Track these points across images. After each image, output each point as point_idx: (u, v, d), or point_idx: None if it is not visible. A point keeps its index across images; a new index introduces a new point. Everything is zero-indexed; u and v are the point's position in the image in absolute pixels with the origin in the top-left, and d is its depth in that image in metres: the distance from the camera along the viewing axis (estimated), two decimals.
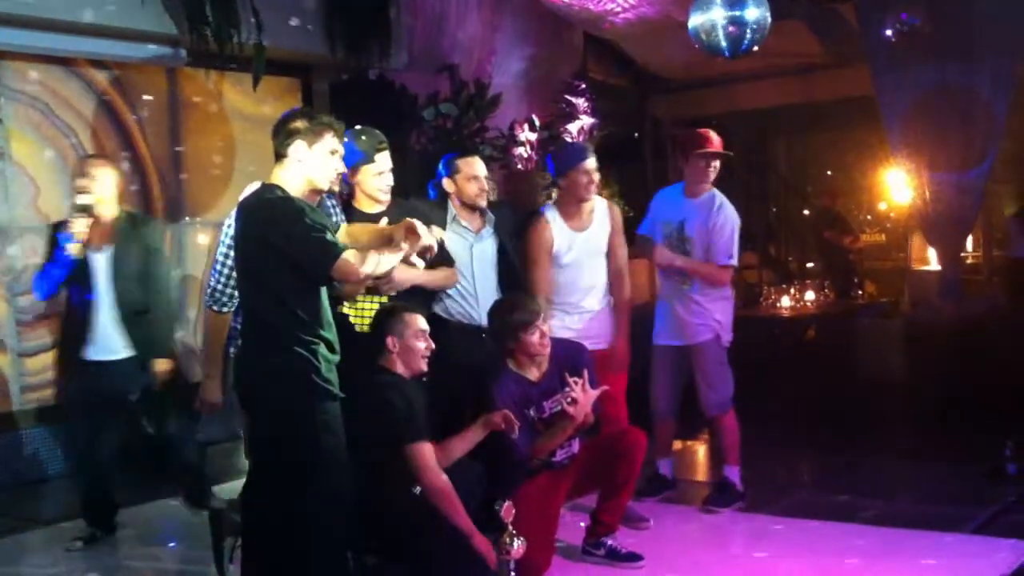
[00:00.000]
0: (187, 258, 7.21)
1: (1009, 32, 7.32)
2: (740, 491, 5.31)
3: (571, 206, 4.91)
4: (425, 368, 4.09)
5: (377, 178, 4.36)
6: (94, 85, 6.76)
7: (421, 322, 4.08)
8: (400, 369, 4.05)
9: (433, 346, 4.09)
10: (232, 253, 3.93)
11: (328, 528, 3.55)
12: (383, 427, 3.87)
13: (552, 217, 4.92)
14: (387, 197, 4.41)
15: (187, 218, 7.25)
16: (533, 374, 4.38)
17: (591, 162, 4.85)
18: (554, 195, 5.15)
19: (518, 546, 3.76)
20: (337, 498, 3.54)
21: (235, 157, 7.40)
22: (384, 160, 4.37)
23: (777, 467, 6.27)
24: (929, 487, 5.68)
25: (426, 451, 3.90)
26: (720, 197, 5.30)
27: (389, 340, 4.02)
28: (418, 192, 5.46)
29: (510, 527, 3.74)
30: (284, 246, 3.41)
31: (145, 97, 7.02)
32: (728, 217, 5.25)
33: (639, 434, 4.45)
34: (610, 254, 5.02)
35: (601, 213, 4.98)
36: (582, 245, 4.92)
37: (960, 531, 4.76)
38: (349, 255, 3.38)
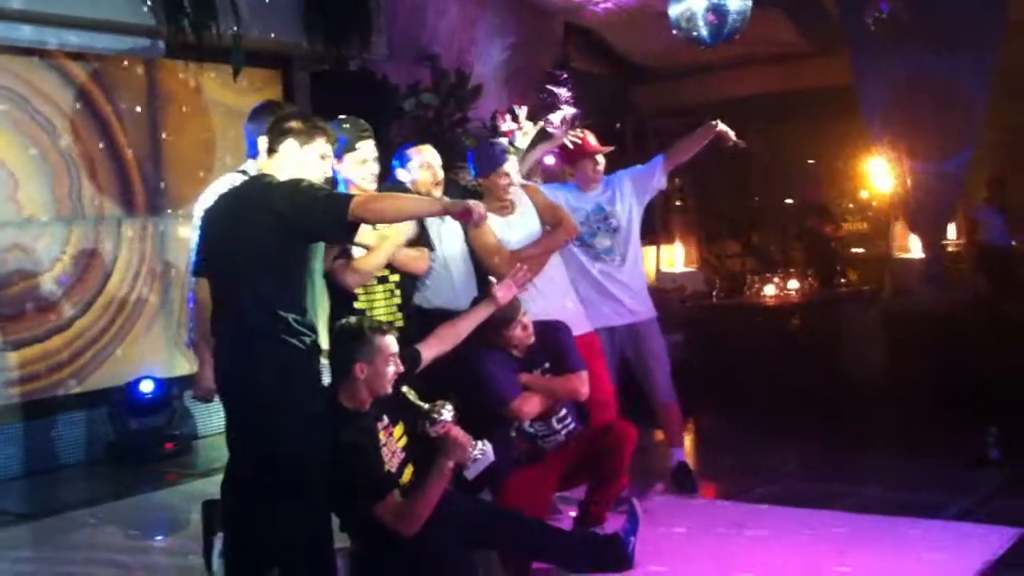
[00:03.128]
0: (169, 251, 7.17)
1: (988, 20, 7.35)
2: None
3: (493, 202, 4.85)
4: (389, 391, 3.78)
5: (360, 166, 4.32)
6: (72, 77, 6.71)
7: (392, 344, 3.76)
8: (362, 396, 3.73)
9: (402, 369, 3.80)
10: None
11: (316, 520, 3.55)
12: (351, 478, 3.67)
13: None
14: (372, 186, 4.37)
15: (168, 211, 7.22)
16: (516, 353, 4.46)
17: (511, 165, 4.89)
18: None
19: (447, 415, 3.72)
20: (324, 490, 3.54)
21: (216, 149, 7.36)
22: (367, 148, 4.34)
23: (759, 454, 6.28)
24: (912, 474, 5.70)
25: (391, 505, 3.67)
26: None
27: (357, 367, 3.68)
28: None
29: (425, 406, 3.72)
30: (290, 211, 3.40)
31: (124, 89, 6.97)
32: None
33: (628, 426, 4.48)
34: (554, 229, 4.98)
35: (522, 199, 4.97)
36: (515, 228, 4.90)
37: (943, 518, 4.77)
38: (372, 196, 3.44)
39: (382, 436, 3.84)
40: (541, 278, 4.87)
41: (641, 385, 5.40)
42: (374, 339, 3.72)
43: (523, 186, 5.02)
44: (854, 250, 11.43)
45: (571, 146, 5.21)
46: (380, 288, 4.36)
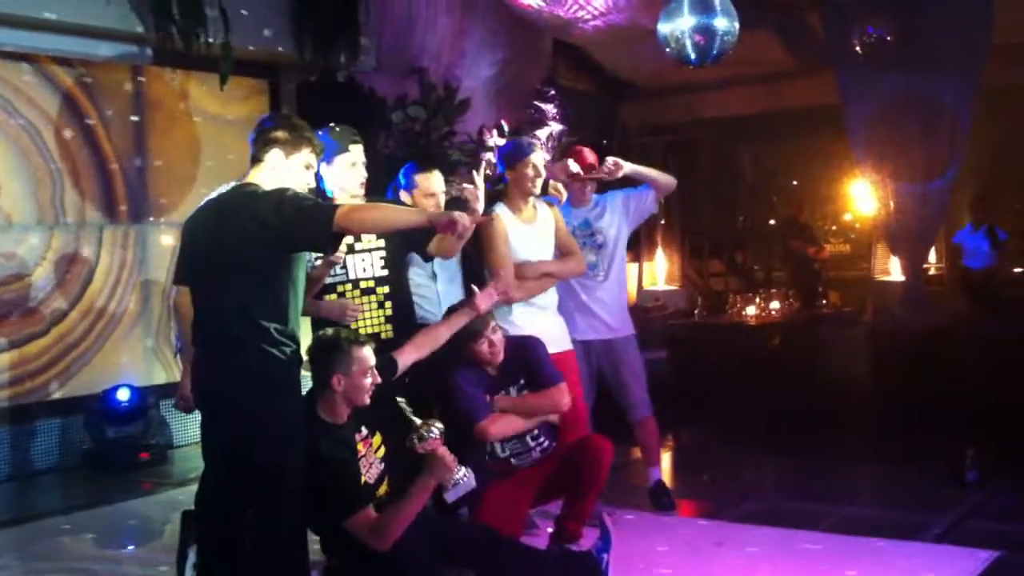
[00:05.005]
0: (150, 259, 7.14)
1: (973, 42, 7.41)
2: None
3: (518, 200, 4.92)
4: (367, 403, 3.76)
5: (351, 169, 4.32)
6: (58, 82, 6.69)
7: (370, 356, 3.73)
8: (340, 410, 3.72)
9: (379, 380, 3.79)
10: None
11: (295, 531, 3.53)
12: (327, 491, 3.65)
13: (501, 210, 4.93)
14: (361, 191, 4.38)
15: (151, 219, 7.18)
16: (491, 370, 4.42)
17: (537, 156, 4.92)
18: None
19: (435, 435, 3.69)
20: (302, 501, 3.51)
21: (201, 157, 7.33)
22: (358, 152, 4.35)
23: (740, 474, 6.29)
24: (890, 494, 5.72)
25: (366, 519, 3.64)
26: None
27: (334, 379, 3.67)
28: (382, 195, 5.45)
29: (418, 421, 3.70)
30: (274, 220, 3.39)
31: (110, 96, 6.95)
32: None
33: (604, 441, 4.46)
34: (564, 251, 5.02)
35: (545, 213, 5.03)
36: (532, 238, 4.94)
37: (921, 539, 4.78)
38: (356, 206, 3.45)
39: (361, 447, 3.83)
40: (544, 296, 4.89)
41: (618, 401, 5.39)
42: (351, 350, 3.70)
43: (548, 203, 5.06)
44: (836, 272, 11.48)
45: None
46: (367, 300, 4.32)
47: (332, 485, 3.63)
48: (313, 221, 3.41)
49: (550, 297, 4.98)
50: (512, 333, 4.59)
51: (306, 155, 3.65)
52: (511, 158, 4.93)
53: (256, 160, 3.63)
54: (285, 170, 3.61)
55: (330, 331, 3.84)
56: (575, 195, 5.37)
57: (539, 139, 5.03)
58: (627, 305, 5.49)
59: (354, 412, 3.79)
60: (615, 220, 5.32)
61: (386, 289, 4.35)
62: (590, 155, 5.34)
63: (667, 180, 5.41)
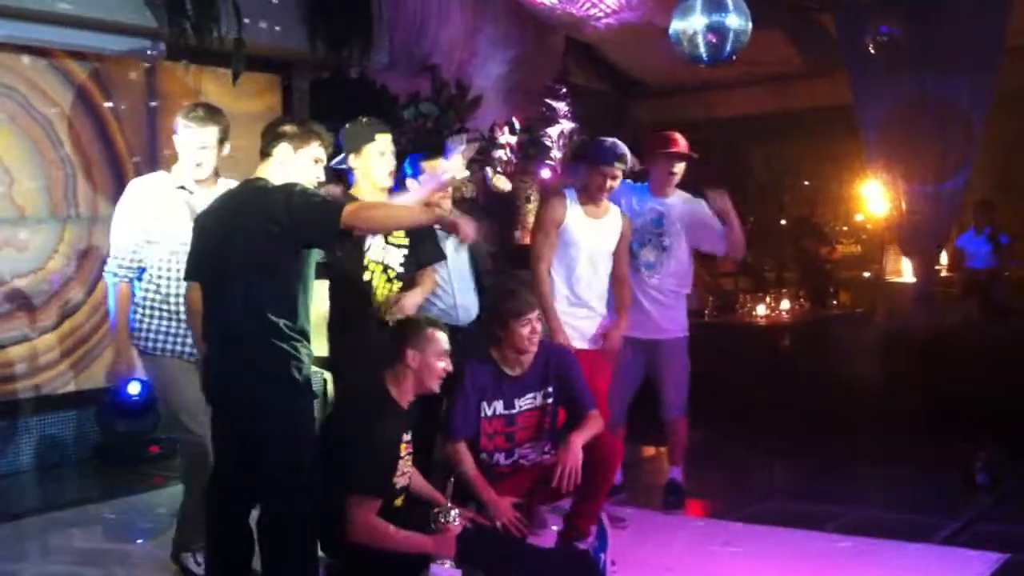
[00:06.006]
0: None
1: (987, 44, 7.38)
2: (685, 490, 5.52)
3: (587, 195, 5.09)
4: (436, 390, 3.91)
5: (380, 159, 4.34)
6: (71, 77, 6.70)
7: (445, 342, 3.89)
8: (407, 387, 3.83)
9: (451, 368, 3.92)
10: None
11: (302, 527, 3.54)
12: (353, 460, 3.68)
13: (571, 196, 5.09)
14: (388, 182, 4.39)
15: None
16: (514, 370, 4.37)
17: (611, 169, 5.00)
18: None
19: (455, 518, 3.73)
20: (311, 498, 3.53)
21: None
22: (385, 141, 4.37)
23: (749, 474, 6.29)
24: (900, 496, 5.71)
25: (367, 510, 3.66)
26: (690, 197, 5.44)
27: (409, 353, 3.80)
28: None
29: (446, 503, 3.74)
30: (283, 216, 3.41)
31: (123, 90, 6.96)
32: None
33: (615, 441, 4.48)
34: (616, 260, 5.13)
35: (615, 216, 5.16)
36: (593, 232, 5.05)
37: (930, 541, 4.78)
38: (366, 204, 3.51)
39: (403, 449, 3.85)
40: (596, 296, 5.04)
41: (655, 395, 5.47)
42: (429, 331, 3.85)
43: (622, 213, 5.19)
44: (847, 272, 11.44)
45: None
46: (390, 288, 4.33)
47: (363, 458, 3.64)
48: (321, 218, 3.44)
49: (601, 297, 5.07)
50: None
51: (314, 149, 3.66)
52: (593, 158, 5.06)
53: (265, 155, 3.65)
54: (294, 164, 3.62)
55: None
56: (657, 178, 5.38)
57: (627, 157, 5.08)
58: (685, 307, 5.50)
59: (410, 411, 3.84)
60: (681, 230, 5.34)
61: (401, 285, 4.37)
62: (682, 141, 5.36)
63: (740, 240, 5.35)
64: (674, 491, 5.45)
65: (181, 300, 4.17)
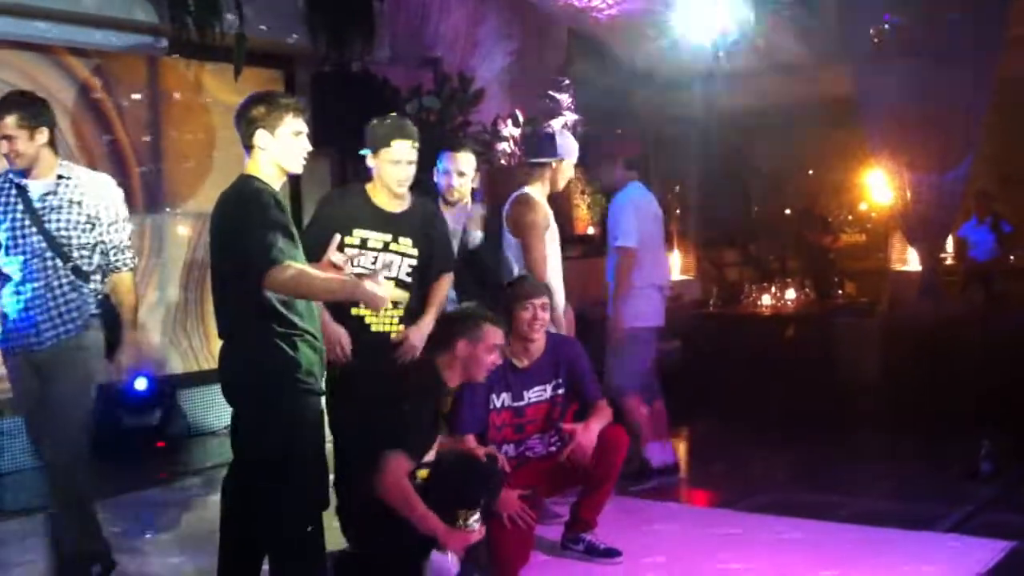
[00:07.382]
0: (166, 249, 7.16)
1: (989, 32, 7.35)
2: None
3: (548, 190, 5.08)
4: (482, 380, 3.99)
5: (391, 167, 4.20)
6: (74, 73, 6.71)
7: (499, 336, 3.95)
8: (454, 373, 3.91)
9: (500, 361, 3.99)
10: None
11: (300, 521, 3.52)
12: (403, 422, 3.76)
13: (537, 195, 5.02)
14: (402, 190, 4.26)
15: (167, 208, 7.21)
16: (522, 361, 4.39)
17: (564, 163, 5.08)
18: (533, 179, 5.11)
19: (475, 524, 3.74)
20: (309, 493, 3.52)
21: (215, 148, 7.35)
22: (401, 149, 4.20)
23: (753, 464, 6.29)
24: (905, 485, 5.71)
25: (399, 466, 3.71)
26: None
27: (460, 343, 3.87)
28: None
29: (468, 512, 3.75)
30: (231, 237, 3.39)
31: (125, 86, 6.97)
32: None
33: (621, 432, 4.46)
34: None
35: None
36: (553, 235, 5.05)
37: (935, 530, 4.78)
38: (290, 271, 3.27)
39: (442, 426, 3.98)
40: None
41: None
42: (484, 324, 3.91)
43: None
44: (852, 262, 11.43)
45: None
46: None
47: (413, 419, 3.74)
48: (246, 270, 3.33)
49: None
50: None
51: (290, 122, 3.48)
52: (565, 151, 5.06)
53: (248, 147, 3.52)
54: (278, 148, 3.48)
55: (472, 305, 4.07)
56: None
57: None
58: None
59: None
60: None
61: (405, 295, 4.27)
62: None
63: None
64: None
65: None
